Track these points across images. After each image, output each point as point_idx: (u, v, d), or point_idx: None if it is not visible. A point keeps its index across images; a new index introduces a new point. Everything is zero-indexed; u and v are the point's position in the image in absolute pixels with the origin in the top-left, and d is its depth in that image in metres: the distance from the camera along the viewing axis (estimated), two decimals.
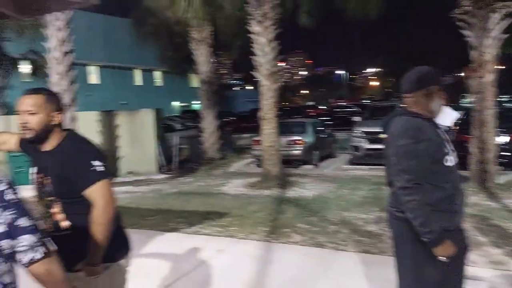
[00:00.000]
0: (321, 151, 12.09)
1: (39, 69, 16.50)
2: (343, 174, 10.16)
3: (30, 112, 1.95)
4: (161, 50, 18.90)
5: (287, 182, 8.85)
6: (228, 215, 6.43)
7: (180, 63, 18.84)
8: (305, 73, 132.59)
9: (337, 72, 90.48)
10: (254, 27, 8.91)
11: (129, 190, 9.06)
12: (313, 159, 11.56)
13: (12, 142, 2.26)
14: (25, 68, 19.96)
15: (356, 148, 11.14)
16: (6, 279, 1.29)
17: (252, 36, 8.99)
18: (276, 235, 5.26)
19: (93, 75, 33.54)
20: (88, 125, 10.08)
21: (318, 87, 71.80)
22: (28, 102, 1.96)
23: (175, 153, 11.87)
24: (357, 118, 13.06)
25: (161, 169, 11.39)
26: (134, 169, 11.16)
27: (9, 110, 14.71)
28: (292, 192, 8.08)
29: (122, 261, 2.11)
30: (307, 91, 77.38)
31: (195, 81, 29.40)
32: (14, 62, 17.62)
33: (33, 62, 18.11)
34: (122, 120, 11.56)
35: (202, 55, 13.46)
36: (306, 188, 8.43)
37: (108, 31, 32.42)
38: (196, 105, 34.77)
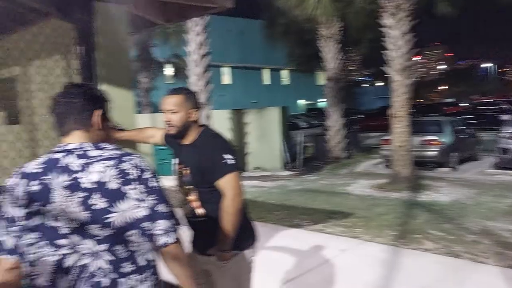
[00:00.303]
0: (461, 152, 10.92)
1: (180, 71, 18.30)
2: (487, 179, 9.05)
3: (172, 111, 2.14)
4: (289, 49, 19.26)
5: (419, 185, 8.24)
6: (352, 215, 6.27)
7: (307, 61, 18.97)
8: (444, 67, 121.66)
9: (483, 65, 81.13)
10: (386, 20, 8.48)
11: (256, 185, 9.45)
12: (450, 162, 10.54)
13: (158, 136, 2.51)
14: (168, 71, 22.33)
15: (505, 151, 9.79)
16: (150, 256, 1.43)
17: (384, 29, 8.57)
18: (405, 240, 4.94)
19: (226, 76, 35.81)
20: (220, 123, 10.83)
21: (459, 82, 65.06)
22: (170, 102, 2.15)
23: (299, 150, 11.99)
24: (507, 117, 11.42)
25: (286, 166, 11.62)
26: (260, 165, 11.62)
27: (155, 108, 16.55)
28: (425, 196, 7.50)
29: (249, 251, 2.20)
30: (446, 87, 70.87)
31: (321, 79, 29.31)
32: (159, 66, 19.85)
33: (175, 65, 20.16)
34: (250, 118, 12.12)
35: (330, 52, 13.32)
36: (441, 193, 7.73)
37: (240, 33, 34.28)
38: (321, 103, 34.65)
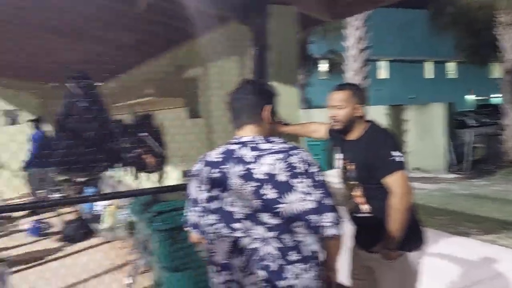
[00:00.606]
0: None
1: (335, 67, 18.26)
2: None
3: (338, 107, 2.17)
4: (458, 39, 17.44)
5: None
6: None
7: (478, 51, 16.92)
8: None
9: None
10: None
11: (416, 187, 8.78)
12: None
13: (321, 131, 2.56)
14: (323, 66, 22.50)
15: None
16: (314, 248, 1.49)
17: None
18: None
19: (383, 70, 34.29)
20: (377, 119, 10.44)
21: None
22: (336, 98, 2.18)
23: (467, 151, 10.79)
24: None
25: (450, 168, 10.62)
26: (420, 165, 10.84)
27: (310, 104, 16.84)
28: None
29: (416, 253, 2.11)
30: None
31: (496, 71, 25.76)
32: (314, 62, 20.15)
33: (330, 61, 20.20)
34: (410, 114, 11.40)
35: (510, 40, 11.61)
36: None
37: (400, 25, 32.37)
38: (496, 98, 30.43)
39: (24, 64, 3.78)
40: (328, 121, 2.30)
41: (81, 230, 5.33)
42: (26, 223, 5.84)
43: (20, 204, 5.26)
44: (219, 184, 1.50)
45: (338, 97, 2.16)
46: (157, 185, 4.27)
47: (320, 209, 1.44)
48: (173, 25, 3.87)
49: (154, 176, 4.55)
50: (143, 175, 4.40)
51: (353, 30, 9.91)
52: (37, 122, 7.04)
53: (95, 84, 3.21)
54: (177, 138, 3.54)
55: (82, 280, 3.91)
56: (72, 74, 3.11)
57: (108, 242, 5.03)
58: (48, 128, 7.05)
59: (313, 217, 1.44)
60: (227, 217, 1.48)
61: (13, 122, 8.77)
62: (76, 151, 2.81)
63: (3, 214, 6.23)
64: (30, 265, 4.36)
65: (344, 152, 2.27)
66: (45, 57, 4.37)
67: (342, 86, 2.22)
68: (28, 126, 7.18)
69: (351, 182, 2.19)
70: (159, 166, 4.21)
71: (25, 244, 5.14)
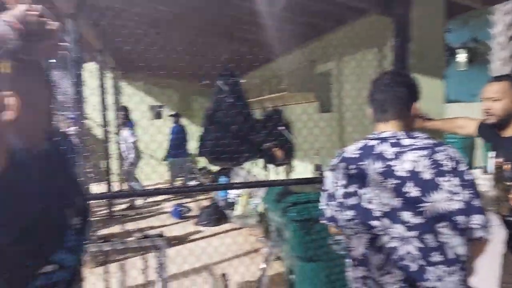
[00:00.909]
0: None
1: (476, 57, 16.43)
2: None
3: (493, 99, 2.00)
4: None
5: None
6: None
7: None
8: None
9: None
10: None
11: None
12: None
13: (470, 126, 2.37)
14: (461, 57, 20.44)
15: None
16: (459, 250, 1.38)
17: None
18: None
19: None
20: None
21: None
22: (492, 89, 2.01)
23: None
24: None
25: None
26: None
27: (446, 98, 15.47)
28: None
29: None
30: None
31: None
32: (452, 52, 18.41)
33: (470, 50, 18.24)
34: None
35: None
36: None
37: None
38: None
39: (174, 63, 4.23)
40: (480, 115, 2.13)
41: (216, 216, 5.70)
42: (169, 206, 6.49)
43: (165, 188, 5.94)
44: (356, 180, 1.47)
45: (494, 88, 2.01)
46: (285, 177, 4.42)
47: (468, 210, 1.34)
48: (311, 20, 3.93)
49: (283, 169, 4.71)
50: (271, 167, 4.58)
51: (501, 16, 8.79)
52: (176, 116, 7.81)
53: (239, 81, 3.45)
54: (308, 132, 3.59)
55: (226, 259, 4.25)
56: (221, 72, 3.39)
57: (240, 228, 5.35)
58: (185, 122, 7.81)
59: (460, 218, 1.34)
60: (364, 214, 1.45)
61: (158, 116, 9.86)
62: (223, 143, 3.07)
63: (148, 197, 7.09)
64: (176, 242, 4.89)
65: (499, 150, 2.08)
66: (194, 57, 4.82)
67: (500, 77, 2.07)
68: (169, 120, 8.01)
69: (507, 183, 2.00)
70: (288, 159, 4.34)
71: (168, 225, 5.71)
